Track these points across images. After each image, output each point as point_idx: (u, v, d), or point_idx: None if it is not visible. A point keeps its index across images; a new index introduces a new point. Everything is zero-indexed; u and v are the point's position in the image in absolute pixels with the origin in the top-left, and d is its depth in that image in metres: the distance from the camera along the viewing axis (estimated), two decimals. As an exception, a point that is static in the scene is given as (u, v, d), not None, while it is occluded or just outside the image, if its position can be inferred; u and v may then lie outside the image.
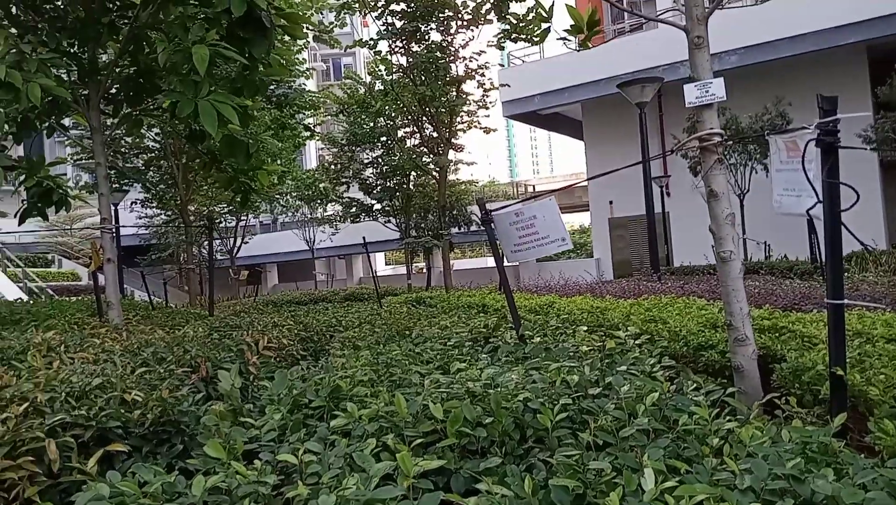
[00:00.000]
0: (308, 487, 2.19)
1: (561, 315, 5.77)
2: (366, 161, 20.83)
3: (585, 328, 4.70)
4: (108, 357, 3.46)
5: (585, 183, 23.50)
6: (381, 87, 16.89)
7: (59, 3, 6.82)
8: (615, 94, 13.56)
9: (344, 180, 21.79)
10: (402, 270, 29.62)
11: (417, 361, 4.12)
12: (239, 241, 23.23)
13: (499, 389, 2.89)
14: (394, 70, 15.48)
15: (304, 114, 17.69)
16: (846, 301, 2.54)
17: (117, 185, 16.11)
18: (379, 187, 20.44)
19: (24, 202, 7.30)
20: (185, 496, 2.16)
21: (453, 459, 2.51)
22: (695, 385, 3.09)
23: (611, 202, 21.88)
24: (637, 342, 4.00)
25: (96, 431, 2.43)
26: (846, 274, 9.16)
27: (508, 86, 17.71)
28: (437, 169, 16.10)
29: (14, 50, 5.95)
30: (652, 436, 2.45)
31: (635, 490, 1.93)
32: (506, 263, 4.67)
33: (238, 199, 8.40)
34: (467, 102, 15.72)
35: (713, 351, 3.91)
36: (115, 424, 2.47)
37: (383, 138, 18.86)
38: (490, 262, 41.05)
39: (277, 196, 23.13)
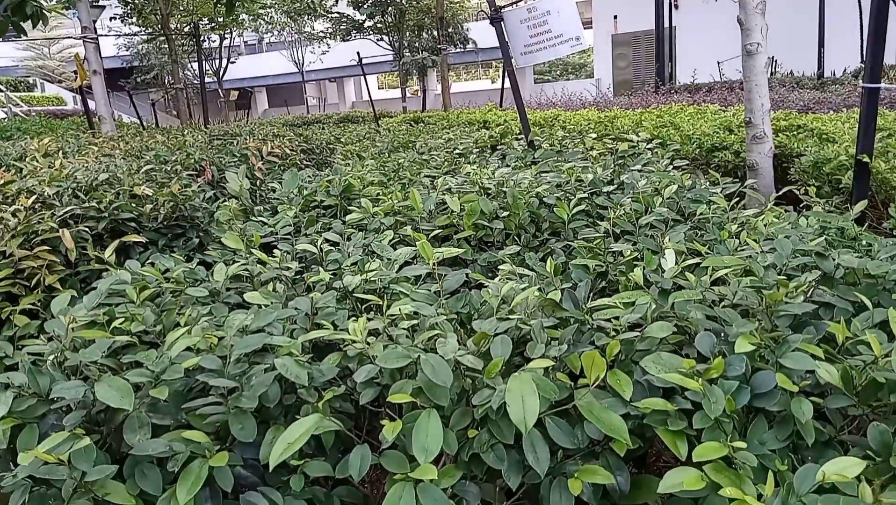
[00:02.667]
0: (329, 273, 2.20)
1: (567, 126, 5.63)
2: (355, -31, 19.27)
3: (595, 135, 4.59)
4: (109, 160, 3.37)
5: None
6: None
7: None
8: None
9: (332, -8, 20.36)
10: (396, 94, 28.66)
11: (426, 166, 4.06)
12: (225, 61, 22.19)
13: (513, 187, 2.85)
14: None
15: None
16: (882, 85, 2.41)
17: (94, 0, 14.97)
18: (369, 1, 19.10)
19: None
20: (207, 282, 2.18)
21: (470, 251, 2.53)
22: (711, 180, 3.06)
23: (615, 17, 20.65)
24: (649, 146, 3.93)
25: (109, 224, 2.41)
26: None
27: None
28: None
29: None
30: (670, 224, 2.46)
31: (656, 269, 1.95)
32: (516, 67, 4.44)
33: (222, 7, 7.82)
34: None
35: (727, 152, 3.83)
36: (128, 217, 2.45)
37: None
38: (487, 84, 39.68)
39: (262, 11, 21.72)
